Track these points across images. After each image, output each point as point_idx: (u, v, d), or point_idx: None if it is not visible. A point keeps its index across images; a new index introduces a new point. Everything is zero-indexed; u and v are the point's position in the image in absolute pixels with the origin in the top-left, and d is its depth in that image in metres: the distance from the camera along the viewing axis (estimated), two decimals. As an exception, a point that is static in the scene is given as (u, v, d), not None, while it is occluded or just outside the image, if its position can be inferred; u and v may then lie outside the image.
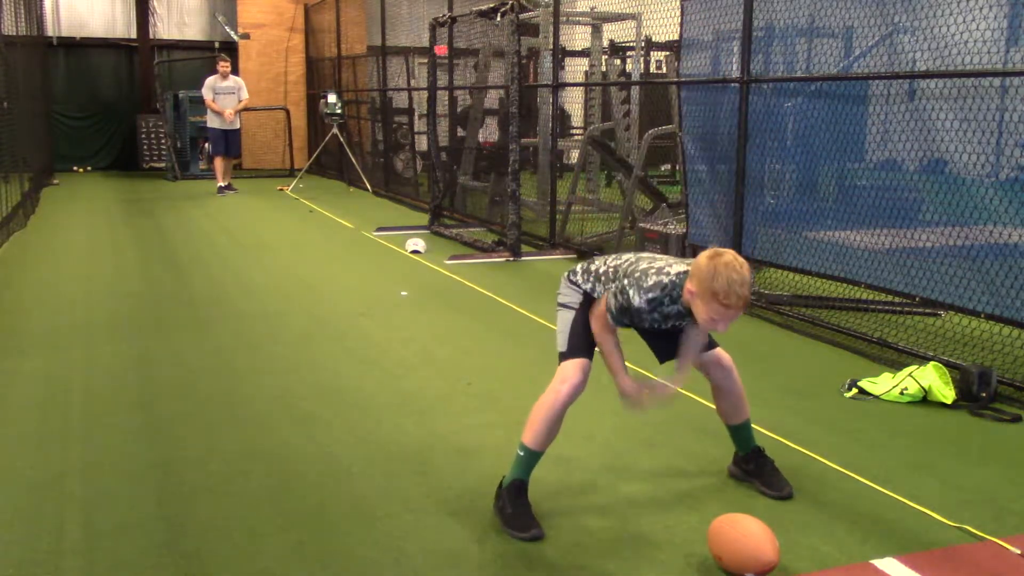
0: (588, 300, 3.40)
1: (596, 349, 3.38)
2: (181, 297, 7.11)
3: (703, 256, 3.03)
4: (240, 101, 14.16)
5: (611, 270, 3.32)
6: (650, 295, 3.12)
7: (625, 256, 3.38)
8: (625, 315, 3.20)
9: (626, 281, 3.17)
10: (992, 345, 5.15)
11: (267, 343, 5.76)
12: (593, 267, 3.40)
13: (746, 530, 2.99)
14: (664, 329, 3.31)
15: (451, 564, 3.05)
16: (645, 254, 3.38)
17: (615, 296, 3.19)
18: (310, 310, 6.68)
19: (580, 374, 3.31)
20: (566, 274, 3.50)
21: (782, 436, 4.17)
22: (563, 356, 3.38)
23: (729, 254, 3.01)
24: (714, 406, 3.70)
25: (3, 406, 4.57)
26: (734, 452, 3.75)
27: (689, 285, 3.05)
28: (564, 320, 3.42)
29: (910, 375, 4.75)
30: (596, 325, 3.31)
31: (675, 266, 3.19)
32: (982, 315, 5.08)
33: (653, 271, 3.16)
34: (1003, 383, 4.78)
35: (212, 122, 14.13)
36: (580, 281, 3.42)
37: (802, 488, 3.61)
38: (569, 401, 3.31)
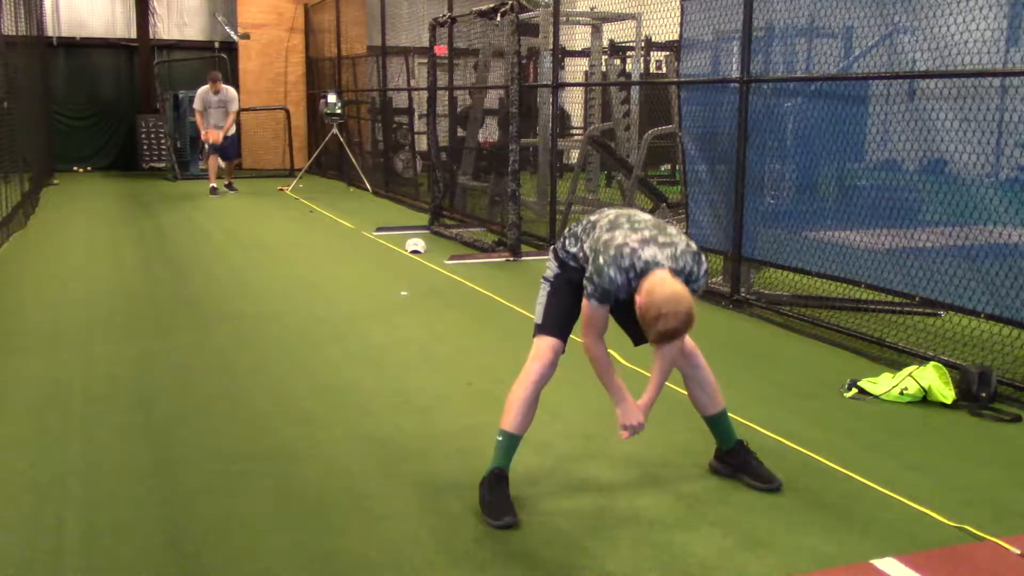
0: (564, 270, 3.43)
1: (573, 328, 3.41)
2: (181, 297, 7.11)
3: (655, 282, 3.01)
4: (228, 115, 14.20)
5: (589, 225, 3.35)
6: (628, 274, 3.11)
7: (606, 214, 3.35)
8: (608, 296, 3.18)
9: (602, 260, 3.14)
10: (992, 345, 5.15)
11: (267, 343, 5.76)
12: (575, 228, 3.45)
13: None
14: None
15: (451, 564, 3.05)
16: (623, 213, 3.33)
17: (592, 281, 3.17)
18: (310, 310, 6.68)
19: (551, 353, 3.37)
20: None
21: (782, 436, 4.17)
22: (537, 329, 3.45)
23: (674, 302, 2.95)
24: (687, 394, 3.69)
25: (3, 406, 4.57)
26: (716, 448, 3.74)
27: (638, 295, 3.05)
28: (543, 293, 3.51)
29: (910, 375, 4.75)
30: (587, 338, 3.28)
31: (647, 248, 3.13)
32: (982, 315, 5.08)
33: (628, 250, 3.12)
34: (1003, 383, 4.78)
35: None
36: (563, 245, 3.45)
37: (802, 488, 3.61)
38: (540, 380, 3.35)
